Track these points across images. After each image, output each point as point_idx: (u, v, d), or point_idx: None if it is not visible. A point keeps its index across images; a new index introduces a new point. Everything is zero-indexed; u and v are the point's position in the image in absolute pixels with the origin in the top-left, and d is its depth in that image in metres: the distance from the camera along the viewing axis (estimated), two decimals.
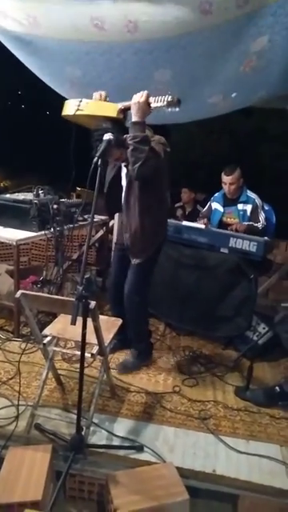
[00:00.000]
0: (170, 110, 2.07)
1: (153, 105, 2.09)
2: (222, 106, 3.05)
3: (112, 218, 2.70)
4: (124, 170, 2.43)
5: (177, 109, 2.06)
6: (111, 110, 2.22)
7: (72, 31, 2.50)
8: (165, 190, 2.51)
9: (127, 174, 2.37)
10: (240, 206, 3.16)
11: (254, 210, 3.10)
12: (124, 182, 2.44)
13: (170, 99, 2.04)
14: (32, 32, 2.60)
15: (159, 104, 2.07)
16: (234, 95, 2.88)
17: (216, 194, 3.39)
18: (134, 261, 2.45)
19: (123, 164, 2.40)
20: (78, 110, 2.29)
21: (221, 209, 3.29)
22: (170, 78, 2.62)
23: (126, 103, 2.17)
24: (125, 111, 2.21)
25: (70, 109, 2.37)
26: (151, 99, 2.09)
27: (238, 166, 3.20)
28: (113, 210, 2.75)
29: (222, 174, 3.19)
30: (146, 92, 2.10)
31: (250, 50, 2.43)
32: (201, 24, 2.28)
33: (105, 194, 2.62)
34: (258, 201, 3.12)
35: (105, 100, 2.32)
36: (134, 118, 2.12)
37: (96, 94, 2.33)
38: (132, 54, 2.55)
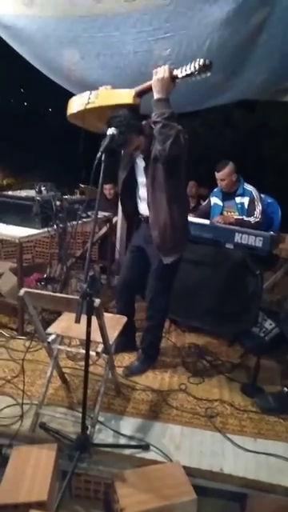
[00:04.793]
0: (199, 77, 1.88)
1: (181, 75, 1.91)
2: (222, 88, 2.96)
3: (130, 221, 2.52)
4: (140, 166, 2.28)
5: (208, 74, 1.87)
6: (126, 96, 2.08)
7: (69, 7, 2.43)
8: (185, 179, 2.34)
9: (146, 169, 2.21)
10: (238, 200, 3.15)
11: (251, 203, 3.08)
12: (141, 179, 2.30)
13: (201, 63, 1.83)
14: (27, 12, 2.53)
15: (189, 72, 1.88)
16: (232, 74, 2.78)
17: (215, 189, 3.38)
18: (166, 260, 2.27)
19: (140, 157, 2.26)
20: (88, 103, 2.16)
21: (220, 203, 3.28)
22: (169, 51, 2.51)
23: (140, 86, 2.05)
24: (141, 95, 2.08)
25: (77, 105, 2.23)
26: (176, 71, 1.94)
27: (230, 161, 3.17)
28: (130, 211, 2.53)
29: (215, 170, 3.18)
30: (167, 66, 1.96)
31: (251, 22, 2.36)
32: None
33: (120, 196, 2.55)
34: (255, 193, 3.09)
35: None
36: (158, 95, 1.98)
37: (102, 88, 2.23)
38: (130, 26, 2.46)
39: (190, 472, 1.79)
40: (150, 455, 1.89)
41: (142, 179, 2.31)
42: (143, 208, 2.37)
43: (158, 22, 2.42)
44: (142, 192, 2.32)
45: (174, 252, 2.28)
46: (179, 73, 1.93)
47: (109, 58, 2.69)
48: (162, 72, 1.96)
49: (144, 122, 2.16)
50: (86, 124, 2.39)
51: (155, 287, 2.40)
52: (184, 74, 1.91)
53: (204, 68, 1.85)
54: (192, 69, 1.87)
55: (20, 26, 2.74)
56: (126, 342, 2.66)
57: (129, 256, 2.60)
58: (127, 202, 2.50)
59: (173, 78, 1.96)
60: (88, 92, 2.21)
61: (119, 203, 4.16)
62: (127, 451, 1.90)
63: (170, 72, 1.95)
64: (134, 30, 2.49)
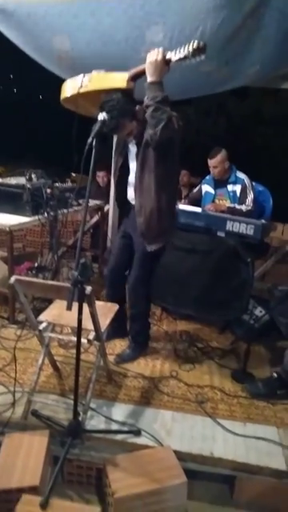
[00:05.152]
0: (194, 61, 1.82)
1: (174, 58, 1.86)
2: (215, 76, 2.92)
3: (123, 210, 2.49)
4: (132, 152, 2.26)
5: (202, 57, 1.81)
6: (120, 79, 2.02)
7: None
8: (178, 167, 2.33)
9: (137, 154, 2.18)
10: (230, 187, 3.15)
11: (243, 191, 3.08)
12: (133, 165, 2.27)
13: (195, 46, 1.78)
14: None
15: (182, 55, 1.83)
16: (226, 64, 2.74)
17: (206, 177, 3.37)
18: (150, 248, 2.26)
19: (132, 143, 2.23)
20: (81, 87, 2.10)
21: (212, 191, 3.28)
22: (162, 37, 2.45)
23: (134, 70, 2.00)
24: (135, 79, 2.03)
25: (70, 89, 2.18)
26: (169, 54, 1.89)
27: (223, 148, 3.16)
28: (122, 197, 2.49)
29: (208, 157, 3.17)
30: (161, 48, 1.91)
31: (244, 10, 2.31)
32: None
33: (114, 183, 2.50)
34: (247, 181, 3.10)
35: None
36: (151, 79, 1.94)
37: (95, 71, 2.16)
38: (122, 11, 2.39)
39: (181, 456, 1.82)
40: (142, 440, 1.91)
41: (133, 165, 2.27)
42: (131, 194, 2.35)
43: (150, 7, 2.36)
44: (133, 178, 2.28)
45: (158, 240, 2.28)
46: (173, 55, 1.88)
47: (100, 45, 2.63)
48: (154, 54, 1.91)
49: (138, 107, 2.11)
50: (80, 108, 2.33)
51: (136, 274, 2.40)
52: (177, 57, 1.86)
53: (198, 51, 1.80)
54: (185, 51, 1.82)
55: (9, 11, 2.66)
56: (116, 328, 2.67)
57: (118, 242, 2.60)
58: (121, 188, 2.46)
59: (166, 61, 1.91)
60: (81, 75, 2.16)
61: (111, 191, 4.16)
62: (119, 437, 1.92)
63: (164, 55, 1.90)
64: (126, 15, 2.43)
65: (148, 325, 2.67)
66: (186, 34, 2.42)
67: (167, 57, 1.90)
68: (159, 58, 1.90)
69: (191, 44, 1.80)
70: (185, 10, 2.34)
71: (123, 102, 1.99)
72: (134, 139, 2.19)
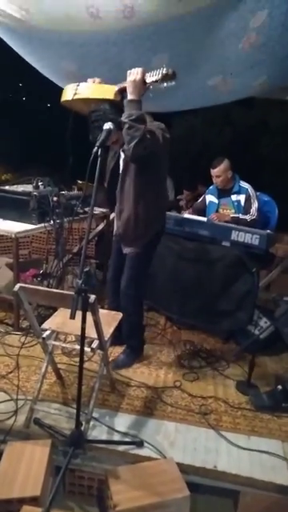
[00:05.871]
0: (165, 85, 1.97)
1: (148, 80, 2.00)
2: (222, 88, 2.94)
3: (113, 210, 2.61)
4: (122, 157, 2.36)
5: (173, 83, 1.96)
6: (109, 92, 2.18)
7: (66, 22, 2.43)
8: (163, 179, 2.43)
9: (124, 159, 2.29)
10: (234, 197, 3.15)
11: (248, 200, 3.08)
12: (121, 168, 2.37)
13: (164, 72, 1.94)
14: (25, 26, 2.54)
15: (154, 78, 1.98)
16: (231, 74, 2.79)
17: (210, 187, 3.38)
18: (126, 250, 2.38)
19: (121, 150, 2.32)
20: (75, 94, 2.26)
21: (215, 201, 3.28)
22: (168, 61, 2.54)
23: (123, 84, 2.11)
24: (122, 92, 2.15)
25: (68, 94, 2.34)
26: (146, 75, 2.01)
27: (226, 158, 3.17)
28: (114, 202, 2.62)
29: (210, 167, 3.18)
30: (141, 69, 2.01)
31: (250, 26, 2.35)
32: (199, 1, 2.20)
33: (106, 185, 2.57)
34: (250, 190, 3.10)
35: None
36: (130, 96, 2.05)
37: (90, 80, 2.30)
38: (129, 42, 2.47)
39: (184, 469, 1.80)
40: (144, 452, 1.89)
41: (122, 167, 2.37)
42: None
43: (157, 37, 2.44)
44: None
45: (132, 244, 2.37)
46: (148, 77, 2.00)
47: (106, 71, 2.69)
48: (134, 74, 2.02)
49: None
50: (77, 108, 2.48)
51: (126, 275, 2.44)
52: (150, 79, 2.00)
53: (167, 77, 1.95)
54: (156, 76, 1.97)
55: (20, 33, 2.72)
56: (117, 335, 2.66)
57: (113, 247, 2.64)
58: (113, 191, 2.50)
59: (144, 81, 2.01)
60: (77, 83, 2.30)
61: None
62: (121, 447, 1.90)
63: (143, 74, 2.00)
64: (133, 45, 2.50)
65: (142, 329, 2.67)
66: (192, 55, 2.50)
67: (144, 77, 2.01)
68: (138, 77, 2.01)
69: (162, 69, 1.94)
70: (191, 37, 2.42)
71: (109, 113, 2.08)
72: (121, 147, 2.26)
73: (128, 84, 2.04)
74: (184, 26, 2.34)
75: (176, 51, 2.50)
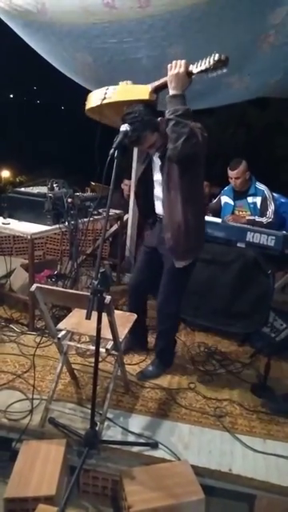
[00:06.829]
0: (215, 74, 1.79)
1: (196, 70, 1.83)
2: (237, 87, 2.92)
3: (147, 220, 2.45)
4: (157, 164, 2.19)
5: (224, 70, 1.79)
6: (143, 92, 2.04)
7: (82, 14, 2.43)
8: (202, 180, 2.29)
9: (162, 167, 2.12)
10: (250, 199, 3.13)
11: (264, 202, 3.06)
12: (157, 177, 2.22)
13: (216, 58, 1.75)
14: (40, 19, 2.56)
15: (203, 67, 1.80)
16: (248, 75, 2.75)
17: (225, 188, 3.36)
18: (179, 264, 2.18)
19: (156, 155, 2.17)
20: (104, 98, 2.14)
21: (231, 202, 3.26)
22: (183, 53, 2.51)
23: (157, 82, 2.01)
24: (157, 91, 2.03)
25: (95, 100, 2.22)
26: (191, 66, 1.86)
27: (244, 159, 3.15)
28: (146, 210, 2.41)
29: (228, 168, 3.15)
30: (184, 61, 1.86)
31: (268, 22, 2.30)
32: None
33: (134, 195, 2.49)
34: (267, 192, 3.07)
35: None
36: (173, 91, 1.90)
37: (122, 83, 2.19)
38: (144, 32, 2.44)
39: (199, 471, 1.78)
40: (159, 453, 1.88)
41: (157, 177, 2.22)
42: (159, 207, 2.28)
43: (172, 27, 2.40)
44: (158, 191, 2.24)
45: (186, 256, 2.20)
46: (194, 68, 1.85)
47: (121, 62, 2.69)
48: (177, 67, 1.88)
49: (160, 119, 2.08)
50: (104, 119, 2.36)
51: (166, 289, 2.31)
52: (199, 69, 1.83)
53: (220, 63, 1.77)
54: (207, 64, 1.79)
55: (35, 27, 2.75)
56: (135, 340, 2.66)
57: (142, 257, 2.52)
58: (141, 200, 2.43)
59: (188, 74, 1.89)
60: (106, 87, 2.20)
61: (130, 201, 4.17)
62: (135, 449, 1.90)
63: (186, 67, 1.87)
64: (148, 35, 2.48)
65: (174, 342, 2.59)
66: (207, 49, 2.45)
67: (189, 69, 1.88)
68: (181, 70, 1.87)
69: (213, 56, 1.78)
70: (206, 29, 2.38)
71: (144, 114, 1.98)
72: (158, 151, 2.15)
73: (170, 79, 1.90)
74: (199, 15, 2.28)
75: (190, 43, 2.44)
